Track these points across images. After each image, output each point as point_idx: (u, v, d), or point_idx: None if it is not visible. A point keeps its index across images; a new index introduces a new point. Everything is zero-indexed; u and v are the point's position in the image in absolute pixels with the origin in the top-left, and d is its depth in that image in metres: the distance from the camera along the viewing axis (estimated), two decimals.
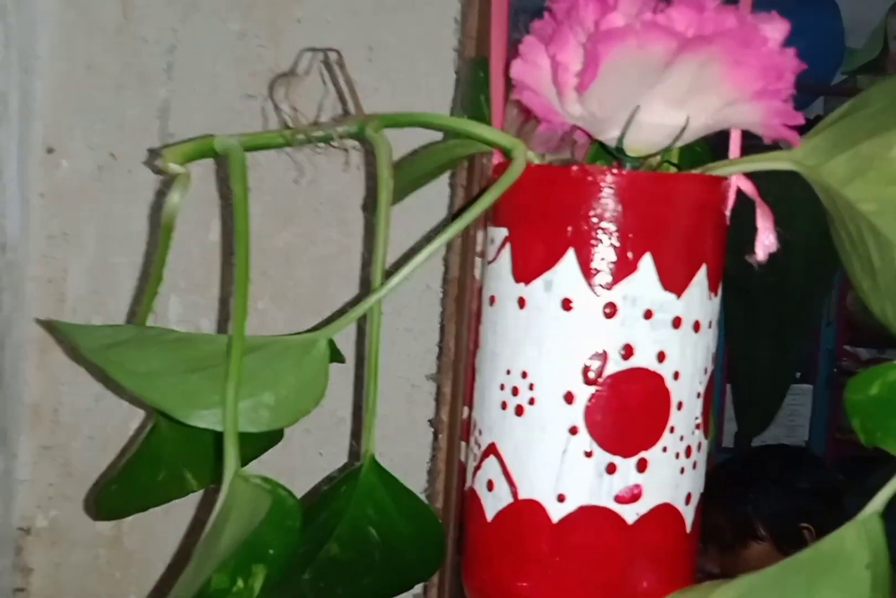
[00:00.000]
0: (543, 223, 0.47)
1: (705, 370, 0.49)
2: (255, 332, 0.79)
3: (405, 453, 0.76)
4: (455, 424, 0.62)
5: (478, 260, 0.56)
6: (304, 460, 0.77)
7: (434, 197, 0.71)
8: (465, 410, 0.56)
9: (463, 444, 0.56)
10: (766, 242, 0.48)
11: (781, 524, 1.49)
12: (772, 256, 0.48)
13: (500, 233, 0.49)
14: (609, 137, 0.47)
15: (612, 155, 0.49)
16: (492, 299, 0.50)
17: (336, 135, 0.48)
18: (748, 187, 0.49)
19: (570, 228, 0.46)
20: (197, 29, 0.75)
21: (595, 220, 0.46)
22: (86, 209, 0.73)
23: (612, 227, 0.46)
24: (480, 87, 0.58)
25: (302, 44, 0.76)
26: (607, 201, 0.46)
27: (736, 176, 0.49)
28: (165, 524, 0.71)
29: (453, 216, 0.65)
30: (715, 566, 1.53)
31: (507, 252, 0.49)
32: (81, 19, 0.73)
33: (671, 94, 0.45)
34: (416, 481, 0.72)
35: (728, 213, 0.50)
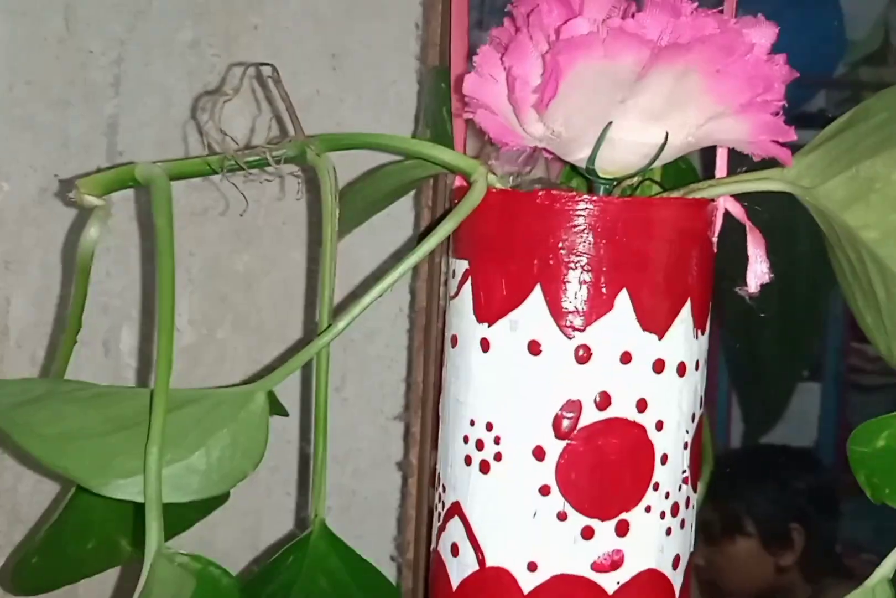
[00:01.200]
0: (507, 256, 0.42)
1: (693, 417, 0.43)
2: (214, 364, 0.75)
3: (379, 492, 0.71)
4: (425, 467, 0.57)
5: (444, 288, 0.51)
6: (271, 499, 0.72)
7: (398, 217, 0.65)
8: (434, 454, 0.51)
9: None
10: (758, 271, 0.43)
11: (771, 522, 1.47)
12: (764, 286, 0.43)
13: (461, 265, 0.44)
14: (578, 158, 0.42)
15: (584, 175, 0.44)
16: (454, 340, 0.45)
17: (272, 160, 0.42)
18: (737, 210, 0.44)
19: (536, 262, 0.41)
20: (145, 39, 0.69)
21: (564, 252, 0.41)
22: (29, 235, 0.68)
23: (583, 260, 0.41)
24: (443, 99, 0.52)
25: (259, 53, 0.71)
26: (577, 231, 0.41)
27: (723, 198, 0.44)
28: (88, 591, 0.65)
29: (418, 239, 0.60)
30: (700, 557, 1.50)
31: (468, 288, 0.44)
32: (20, 31, 0.67)
33: (646, 108, 0.40)
34: (386, 527, 0.67)
35: (715, 239, 0.44)
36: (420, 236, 0.61)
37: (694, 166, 0.45)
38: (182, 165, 0.44)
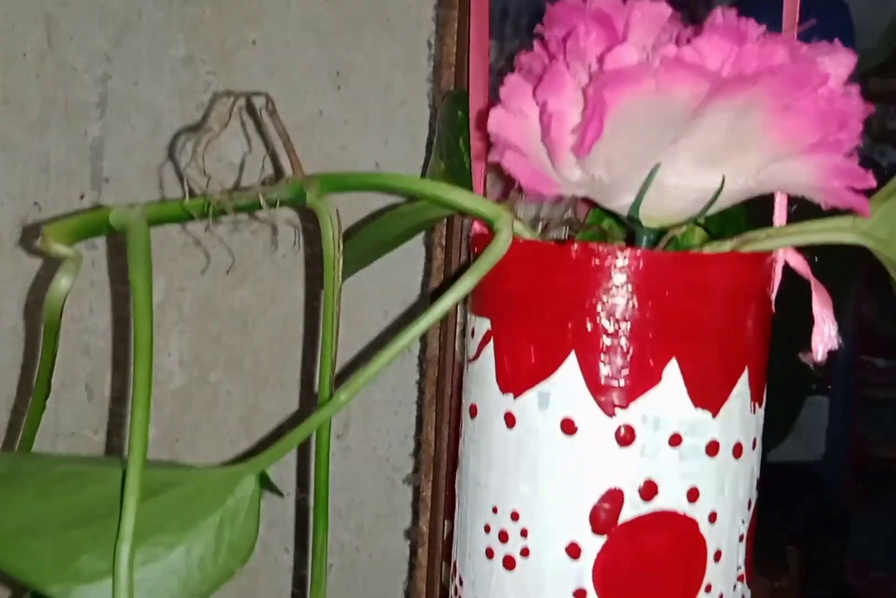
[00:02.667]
0: (536, 318, 0.36)
1: (749, 504, 0.38)
2: (206, 409, 0.69)
3: (385, 549, 0.65)
4: (437, 536, 0.51)
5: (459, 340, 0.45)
6: (268, 557, 0.66)
7: (409, 252, 0.60)
8: (447, 523, 0.45)
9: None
10: (826, 336, 0.37)
11: (768, 545, 1.41)
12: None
13: (482, 324, 0.38)
14: (620, 204, 0.36)
15: (621, 221, 0.38)
16: (472, 410, 0.39)
17: (266, 203, 0.37)
18: (800, 264, 0.38)
19: (570, 326, 0.35)
20: (133, 54, 0.64)
21: (603, 315, 0.35)
22: (5, 269, 0.62)
23: (625, 325, 0.35)
24: (459, 129, 0.47)
25: (258, 69, 0.65)
26: (619, 291, 0.35)
27: (784, 249, 0.38)
28: None
29: (432, 294, 0.54)
30: None
31: (490, 351, 0.38)
32: None
33: (701, 149, 0.34)
34: (392, 589, 0.61)
35: (773, 296, 0.39)
36: (433, 293, 0.55)
37: (742, 210, 0.40)
38: (163, 209, 0.38)
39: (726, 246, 0.39)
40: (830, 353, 0.38)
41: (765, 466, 0.40)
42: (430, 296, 0.55)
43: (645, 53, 0.32)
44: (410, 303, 0.66)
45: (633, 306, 0.35)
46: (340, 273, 0.37)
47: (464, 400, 0.40)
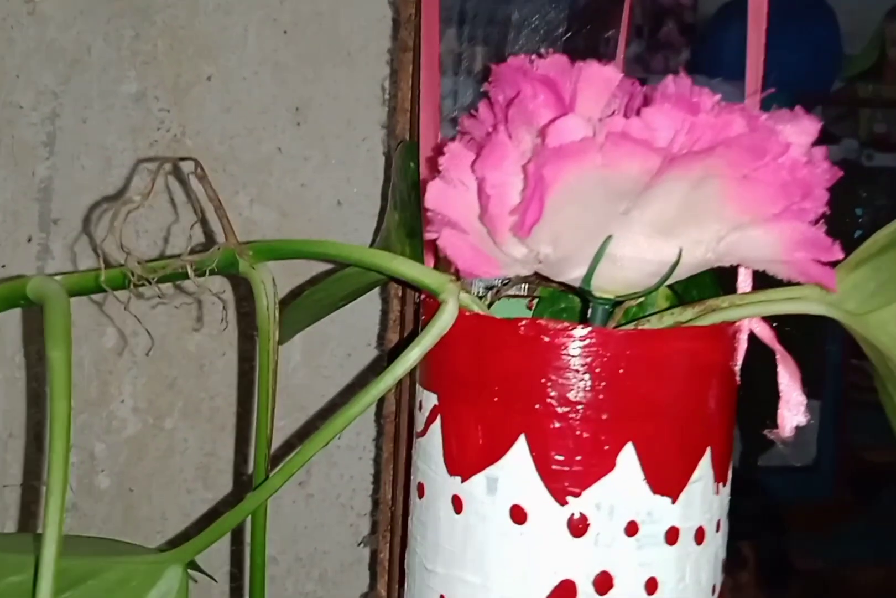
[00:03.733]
0: (484, 397, 0.34)
1: (713, 590, 0.36)
2: (161, 458, 0.67)
3: None
4: None
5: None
6: None
7: (368, 298, 0.57)
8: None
9: None
10: (793, 409, 0.35)
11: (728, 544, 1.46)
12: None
13: (429, 399, 0.36)
14: (570, 277, 0.34)
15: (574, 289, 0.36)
16: (420, 489, 0.37)
17: (193, 272, 0.34)
18: (765, 333, 0.36)
19: (519, 407, 0.33)
20: (83, 91, 0.61)
21: (554, 396, 0.33)
22: None
23: (578, 407, 0.33)
24: (412, 182, 0.45)
25: (213, 106, 0.63)
26: (571, 371, 0.33)
27: (749, 319, 0.36)
28: None
29: (390, 352, 0.52)
30: None
31: (437, 428, 0.36)
32: None
33: (655, 220, 0.32)
34: None
35: (738, 367, 0.36)
36: (390, 353, 0.53)
37: (712, 276, 0.38)
38: (83, 279, 0.36)
39: (687, 314, 0.37)
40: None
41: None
42: (387, 356, 0.53)
43: (591, 125, 0.29)
44: (374, 344, 0.64)
45: (586, 386, 0.33)
46: (275, 348, 0.35)
47: (412, 476, 0.38)
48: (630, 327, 0.37)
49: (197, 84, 0.63)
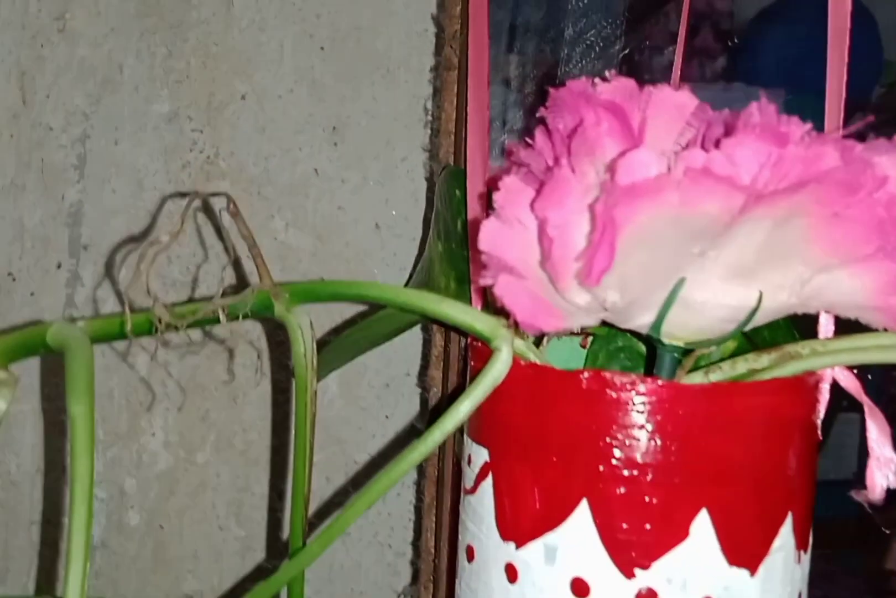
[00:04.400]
0: (541, 455, 0.31)
1: None
2: (193, 493, 0.64)
3: None
4: None
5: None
6: None
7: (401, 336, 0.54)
8: None
9: None
10: (883, 468, 0.32)
11: None
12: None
13: (479, 454, 0.33)
14: (638, 324, 0.31)
15: (639, 335, 0.32)
16: (469, 552, 0.34)
17: (225, 316, 0.32)
18: (851, 384, 0.33)
19: (581, 468, 0.30)
20: (114, 112, 0.59)
21: (620, 457, 0.30)
22: None
23: (647, 469, 0.30)
24: (457, 210, 0.42)
25: (248, 126, 0.60)
26: (638, 430, 0.30)
27: (832, 368, 0.32)
28: None
29: (429, 417, 0.49)
30: None
31: (488, 487, 0.33)
32: None
33: (733, 262, 0.29)
34: None
35: (820, 421, 0.33)
36: (432, 413, 0.50)
37: (789, 322, 0.34)
38: (107, 325, 0.33)
39: (763, 361, 0.33)
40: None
41: None
42: (429, 415, 0.50)
43: (665, 159, 0.26)
44: (414, 374, 0.61)
45: (656, 446, 0.30)
46: (313, 397, 0.32)
47: (460, 536, 0.35)
48: (700, 374, 0.33)
49: (231, 103, 0.60)
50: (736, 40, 0.68)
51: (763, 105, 0.27)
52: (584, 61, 0.44)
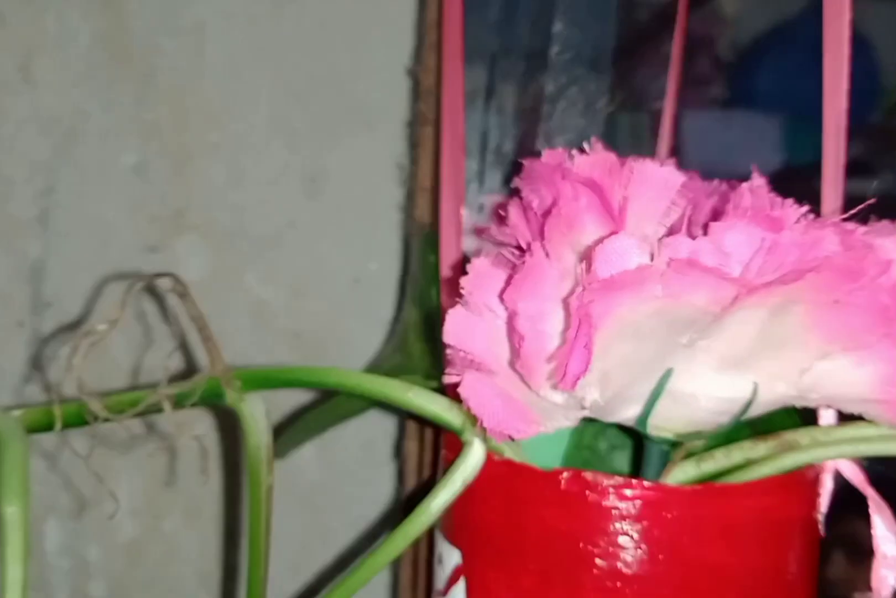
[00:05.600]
0: (516, 561, 0.28)
1: None
2: (159, 564, 0.60)
3: None
4: None
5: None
6: None
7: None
8: None
9: None
10: (891, 568, 0.29)
11: None
12: None
13: (451, 555, 0.30)
14: (623, 417, 0.28)
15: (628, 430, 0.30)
16: None
17: (169, 404, 0.29)
18: (855, 477, 0.30)
19: (560, 578, 0.27)
20: (80, 164, 0.57)
21: (602, 567, 0.27)
22: None
23: (632, 580, 0.27)
24: (432, 276, 0.39)
25: (218, 177, 0.58)
26: (624, 535, 0.27)
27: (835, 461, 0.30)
28: None
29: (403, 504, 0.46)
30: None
31: (459, 592, 0.30)
32: None
33: (723, 353, 0.26)
34: None
35: (822, 516, 0.30)
36: (404, 502, 0.47)
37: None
38: (42, 415, 0.31)
39: (760, 450, 0.31)
40: None
41: None
42: (402, 503, 0.47)
43: (647, 245, 0.24)
44: (392, 433, 0.58)
45: (642, 555, 0.27)
46: (269, 495, 0.29)
47: None
48: (691, 463, 0.31)
49: (202, 153, 0.58)
50: (733, 66, 0.67)
51: (754, 186, 0.25)
52: (566, 119, 0.41)
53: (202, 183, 0.58)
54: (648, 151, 0.47)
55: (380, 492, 0.59)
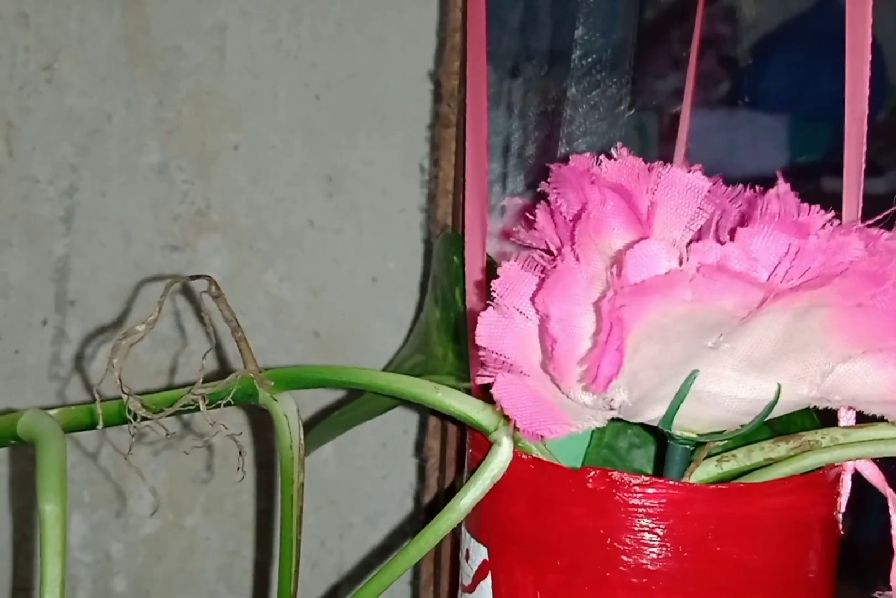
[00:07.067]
0: (543, 558, 0.29)
1: None
2: (181, 557, 0.61)
3: None
4: None
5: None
6: None
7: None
8: None
9: None
10: None
11: None
12: None
13: (478, 551, 0.31)
14: (648, 418, 0.29)
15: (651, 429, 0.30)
16: None
17: (205, 405, 0.30)
18: (874, 476, 0.31)
19: (586, 574, 0.28)
20: (102, 163, 0.57)
21: (629, 563, 0.28)
22: None
23: (657, 576, 0.28)
24: (455, 277, 0.40)
25: (240, 176, 0.59)
26: (649, 533, 0.27)
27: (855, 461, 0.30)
28: None
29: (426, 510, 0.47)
30: None
31: (487, 588, 0.30)
32: None
33: (747, 355, 0.27)
34: None
35: (840, 516, 0.31)
36: (427, 507, 0.48)
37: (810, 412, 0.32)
38: (79, 414, 0.31)
39: (780, 450, 0.31)
40: None
41: None
42: (424, 509, 0.48)
43: (677, 252, 0.25)
44: (412, 433, 0.59)
45: (667, 552, 0.27)
46: (300, 491, 0.30)
47: None
48: (712, 463, 0.31)
49: (223, 153, 0.59)
50: (740, 65, 0.67)
51: (782, 192, 0.25)
52: (587, 122, 0.42)
53: (223, 183, 0.59)
54: (656, 150, 0.47)
55: (398, 489, 0.60)
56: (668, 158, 0.41)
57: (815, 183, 0.50)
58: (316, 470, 0.58)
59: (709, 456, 0.32)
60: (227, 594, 0.59)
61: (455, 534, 0.34)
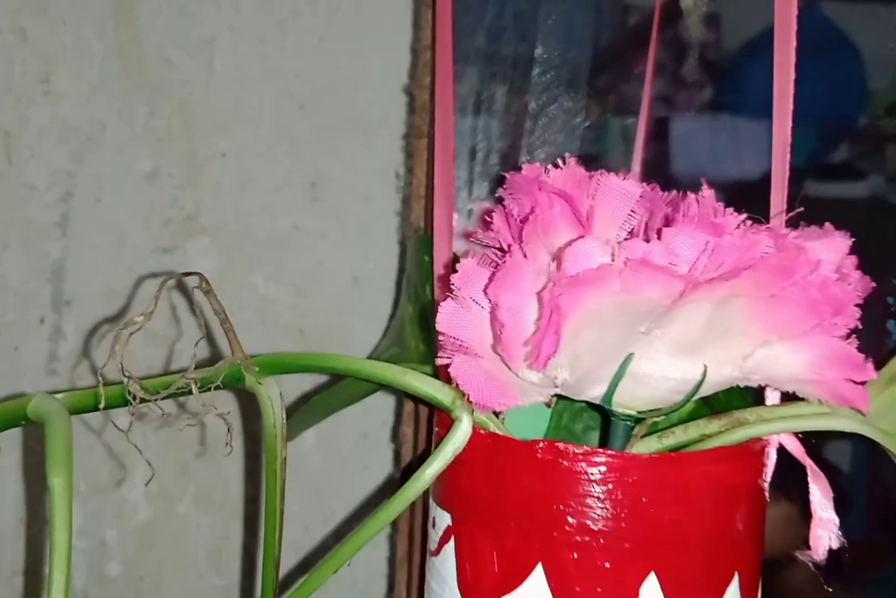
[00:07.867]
0: (499, 522, 0.32)
1: None
2: (173, 544, 0.65)
3: None
4: None
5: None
6: None
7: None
8: None
9: None
10: (826, 530, 0.33)
11: None
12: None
13: (443, 518, 0.35)
14: (591, 395, 0.32)
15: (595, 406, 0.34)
16: None
17: (197, 388, 0.33)
18: (796, 449, 0.34)
19: (537, 534, 0.32)
20: (96, 171, 0.61)
21: (573, 524, 0.31)
22: None
23: (598, 535, 0.31)
24: (426, 275, 0.43)
25: (226, 183, 0.62)
26: (591, 498, 0.31)
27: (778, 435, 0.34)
28: None
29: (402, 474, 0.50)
30: None
31: (450, 550, 0.34)
32: None
33: (677, 339, 0.31)
34: None
35: (766, 485, 0.35)
36: (403, 472, 0.51)
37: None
38: (84, 397, 0.35)
39: (713, 426, 0.35)
40: None
41: None
42: (401, 473, 0.51)
43: (609, 247, 0.28)
44: (390, 424, 0.62)
45: (607, 514, 0.31)
46: (283, 467, 0.34)
47: (426, 596, 0.36)
48: (654, 439, 0.35)
49: (211, 161, 0.62)
50: (722, 70, 0.70)
51: (701, 197, 0.29)
52: (546, 133, 0.45)
53: (211, 188, 0.62)
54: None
55: (377, 478, 0.63)
56: (651, 161, 0.45)
57: (798, 187, 0.53)
58: (300, 460, 0.62)
59: (651, 433, 0.36)
60: (217, 577, 0.62)
61: (426, 510, 0.38)
